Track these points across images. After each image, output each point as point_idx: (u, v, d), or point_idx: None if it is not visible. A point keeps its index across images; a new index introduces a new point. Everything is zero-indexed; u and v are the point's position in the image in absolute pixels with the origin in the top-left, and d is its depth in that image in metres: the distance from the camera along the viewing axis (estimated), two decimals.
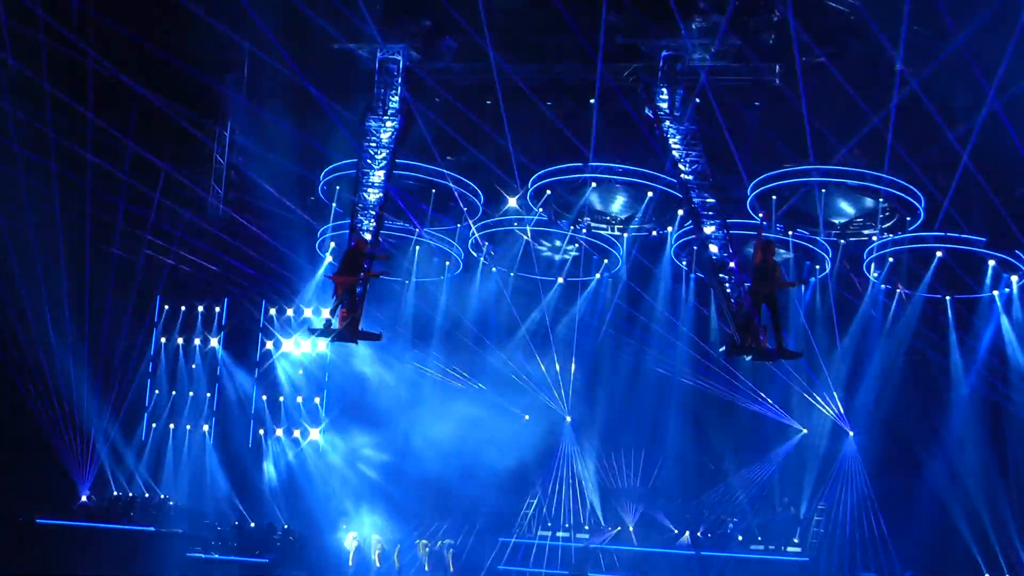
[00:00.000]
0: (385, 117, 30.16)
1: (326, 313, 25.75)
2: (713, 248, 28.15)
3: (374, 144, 30.04)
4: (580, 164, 33.06)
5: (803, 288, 34.96)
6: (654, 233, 35.50)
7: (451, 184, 33.60)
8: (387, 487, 39.33)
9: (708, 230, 28.51)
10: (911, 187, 31.37)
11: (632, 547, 38.01)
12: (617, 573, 36.52)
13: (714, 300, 34.58)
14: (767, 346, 23.36)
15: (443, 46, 31.41)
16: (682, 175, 29.32)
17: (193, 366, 40.78)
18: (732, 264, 27.34)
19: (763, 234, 24.93)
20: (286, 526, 37.70)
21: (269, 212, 35.27)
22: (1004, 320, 35.03)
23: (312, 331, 27.25)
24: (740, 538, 37.41)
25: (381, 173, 29.87)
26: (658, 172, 32.61)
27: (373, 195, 29.65)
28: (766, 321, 23.28)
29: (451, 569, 36.77)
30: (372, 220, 29.22)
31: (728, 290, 26.84)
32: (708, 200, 29.02)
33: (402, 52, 30.82)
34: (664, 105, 30.02)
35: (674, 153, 29.40)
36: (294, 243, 36.15)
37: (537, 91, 31.68)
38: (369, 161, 29.92)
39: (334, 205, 34.75)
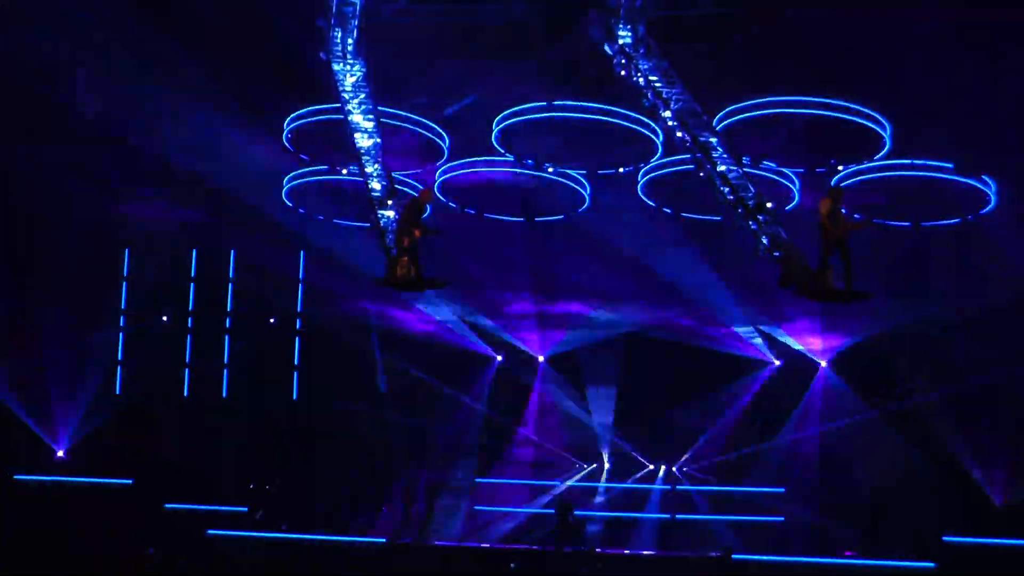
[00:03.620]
0: (349, 60, 29.68)
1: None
2: (728, 187, 27.23)
3: (350, 90, 29.64)
4: (545, 103, 32.81)
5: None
6: (620, 171, 35.32)
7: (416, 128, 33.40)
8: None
9: (721, 169, 27.52)
10: (876, 115, 31.24)
11: (612, 484, 38.24)
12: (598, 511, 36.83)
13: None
14: (836, 287, 23.48)
15: None
16: (671, 114, 28.07)
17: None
18: (769, 204, 26.56)
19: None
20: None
21: None
22: None
23: (378, 281, 26.75)
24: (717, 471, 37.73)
25: (360, 117, 29.20)
26: (626, 110, 32.36)
27: (365, 141, 29.15)
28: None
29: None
30: (375, 165, 28.89)
31: (764, 232, 26.09)
32: (711, 139, 28.05)
33: None
34: (624, 42, 29.45)
35: (657, 91, 28.73)
36: None
37: (496, 31, 31.42)
38: (348, 107, 29.46)
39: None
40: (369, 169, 28.89)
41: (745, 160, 32.03)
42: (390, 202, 27.40)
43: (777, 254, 25.48)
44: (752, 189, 27.22)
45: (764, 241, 25.97)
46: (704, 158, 27.76)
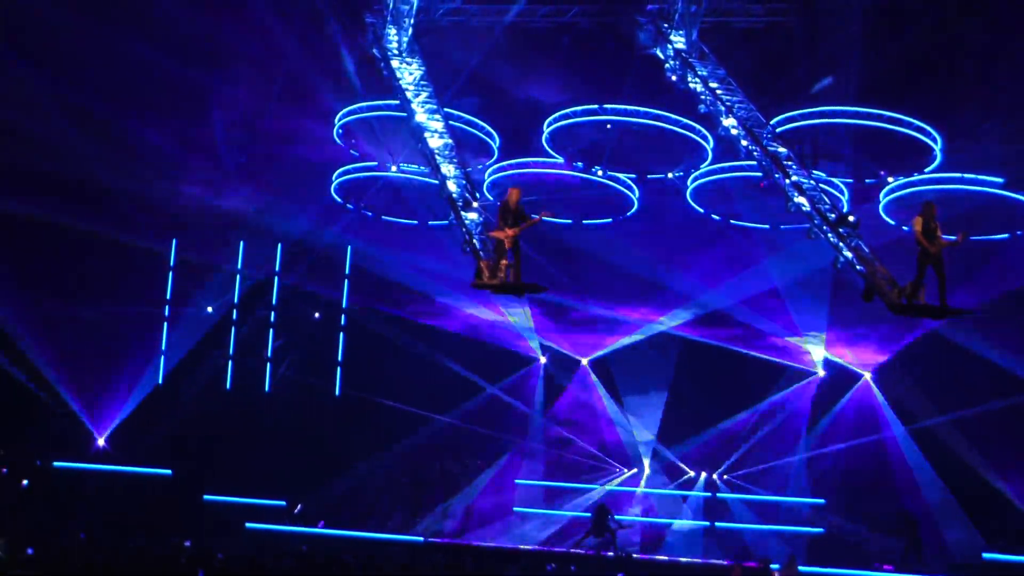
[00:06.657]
0: (408, 58, 29.48)
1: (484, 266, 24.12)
2: (801, 199, 26.51)
3: (412, 88, 29.29)
4: (596, 107, 32.74)
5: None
6: (670, 176, 35.18)
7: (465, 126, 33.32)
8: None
9: (795, 179, 26.90)
10: (927, 127, 31.05)
11: (649, 490, 38.22)
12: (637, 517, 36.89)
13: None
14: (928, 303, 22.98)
15: None
16: (735, 122, 27.91)
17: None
18: (852, 218, 25.69)
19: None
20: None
21: None
22: None
23: (475, 285, 25.22)
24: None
25: (425, 116, 28.83)
26: (675, 114, 32.20)
27: (436, 141, 28.51)
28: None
29: None
30: (450, 165, 28.05)
31: (848, 245, 25.33)
32: (779, 148, 27.67)
33: None
34: (678, 47, 29.15)
35: (718, 98, 28.30)
36: None
37: (551, 33, 31.40)
38: (412, 106, 28.88)
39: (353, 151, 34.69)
40: (444, 170, 27.98)
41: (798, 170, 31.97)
42: (475, 203, 26.64)
43: (860, 268, 24.97)
44: (828, 200, 26.70)
45: (848, 255, 25.45)
46: (775, 167, 27.33)
